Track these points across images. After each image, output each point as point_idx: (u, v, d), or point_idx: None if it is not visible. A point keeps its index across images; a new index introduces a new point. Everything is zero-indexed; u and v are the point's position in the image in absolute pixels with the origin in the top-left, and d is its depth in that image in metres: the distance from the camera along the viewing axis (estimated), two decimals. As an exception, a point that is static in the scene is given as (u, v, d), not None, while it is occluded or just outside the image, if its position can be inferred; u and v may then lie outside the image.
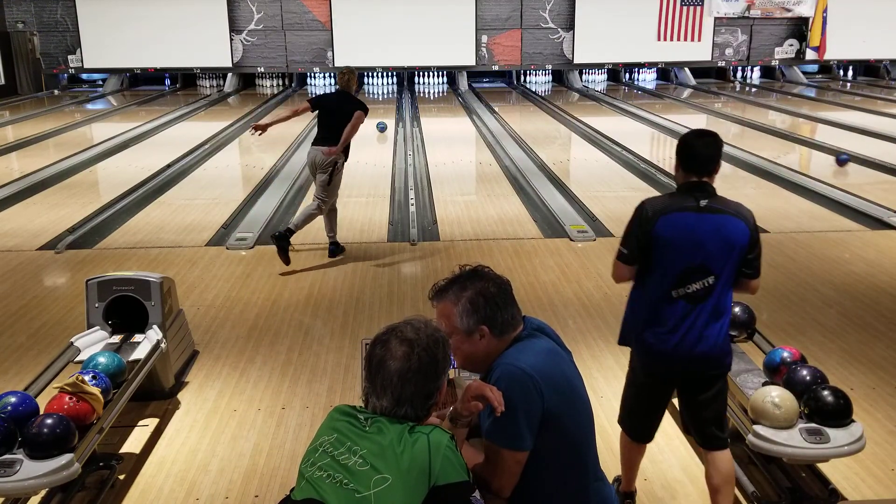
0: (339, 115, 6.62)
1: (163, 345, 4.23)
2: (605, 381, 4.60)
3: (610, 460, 3.75)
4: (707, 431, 3.11)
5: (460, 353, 2.24)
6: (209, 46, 19.58)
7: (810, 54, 20.72)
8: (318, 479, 1.89)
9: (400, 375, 1.93)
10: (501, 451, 2.13)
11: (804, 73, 21.21)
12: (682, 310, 2.98)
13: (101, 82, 20.30)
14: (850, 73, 21.77)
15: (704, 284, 2.95)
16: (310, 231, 7.70)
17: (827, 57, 20.73)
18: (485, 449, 2.20)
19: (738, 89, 20.03)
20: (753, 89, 20.17)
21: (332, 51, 19.79)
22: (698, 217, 2.94)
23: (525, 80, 21.09)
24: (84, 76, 20.54)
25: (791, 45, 20.91)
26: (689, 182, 3.00)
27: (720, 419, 3.12)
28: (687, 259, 2.93)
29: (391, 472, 1.85)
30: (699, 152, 3.00)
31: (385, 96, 19.47)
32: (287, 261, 6.50)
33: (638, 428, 3.27)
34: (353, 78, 6.79)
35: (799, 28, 20.81)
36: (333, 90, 7.25)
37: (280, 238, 6.45)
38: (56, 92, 19.55)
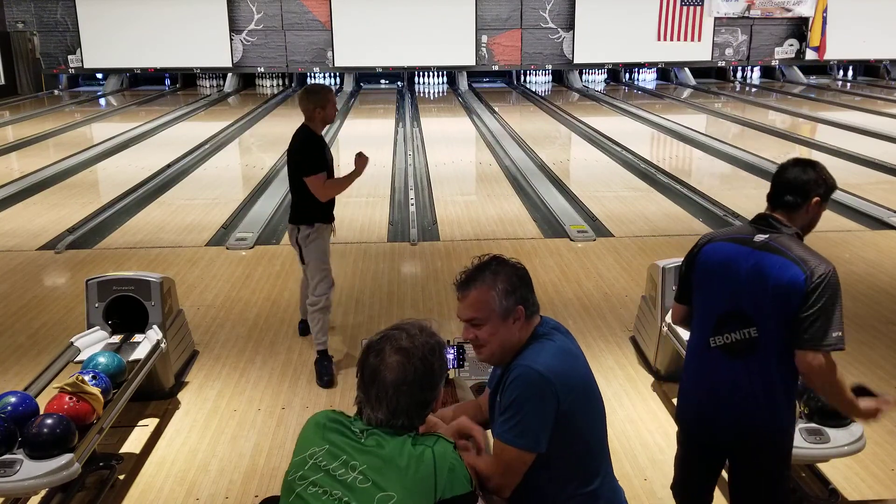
0: (290, 167, 4.72)
1: (163, 345, 4.23)
2: (605, 381, 4.59)
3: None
4: None
5: (496, 341, 2.19)
6: (209, 46, 19.58)
7: (810, 54, 20.72)
8: (313, 495, 1.81)
9: (395, 387, 1.87)
10: (510, 450, 2.12)
11: (803, 70, 21.18)
12: (720, 363, 2.52)
13: (101, 80, 20.29)
14: (850, 73, 21.77)
15: (745, 335, 2.47)
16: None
17: (827, 57, 20.73)
18: (493, 446, 2.19)
19: (738, 89, 20.03)
20: (753, 89, 20.17)
21: (332, 51, 19.79)
22: (746, 252, 2.51)
23: (525, 80, 21.09)
24: (84, 76, 20.53)
25: (791, 45, 20.91)
26: (760, 214, 2.63)
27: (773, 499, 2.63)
28: (723, 300, 2.52)
29: (395, 489, 1.78)
30: (778, 178, 2.64)
31: (385, 96, 19.47)
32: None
33: (684, 497, 2.86)
34: (320, 100, 4.61)
35: (799, 28, 20.81)
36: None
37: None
38: (56, 92, 19.56)
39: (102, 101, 18.68)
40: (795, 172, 2.61)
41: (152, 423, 4.20)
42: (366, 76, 20.73)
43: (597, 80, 21.27)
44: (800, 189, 2.58)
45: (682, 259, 2.72)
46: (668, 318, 2.80)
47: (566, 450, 2.15)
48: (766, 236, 2.53)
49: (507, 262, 2.25)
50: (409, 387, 1.88)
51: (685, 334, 4.16)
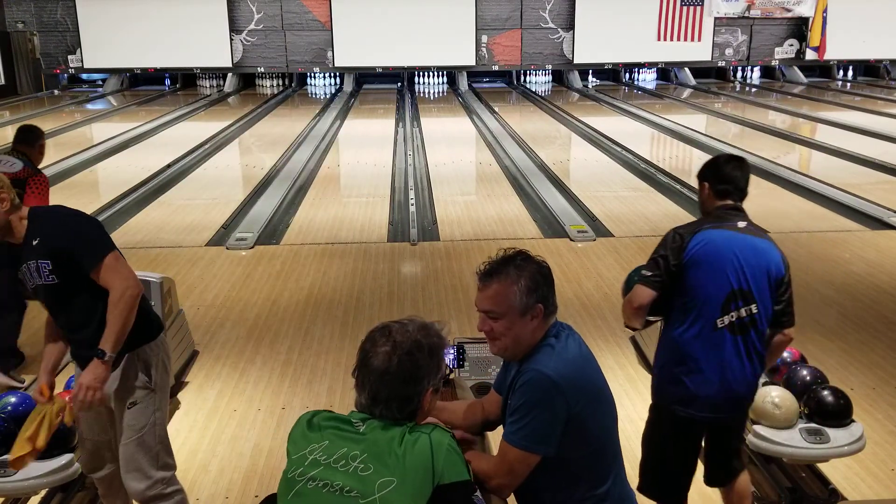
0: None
1: (163, 345, 4.22)
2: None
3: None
4: (731, 467, 2.98)
5: (511, 336, 2.19)
6: (209, 46, 19.58)
7: (810, 54, 20.72)
8: (313, 489, 1.84)
9: (379, 375, 1.92)
10: (515, 451, 2.13)
11: (802, 70, 21.16)
12: (727, 342, 2.72)
13: (100, 82, 20.31)
14: (850, 73, 21.76)
15: (748, 312, 2.71)
16: (310, 230, 7.71)
17: (827, 57, 20.72)
18: (499, 447, 2.19)
19: (738, 89, 20.03)
20: (753, 89, 20.17)
21: (332, 51, 19.79)
22: (740, 237, 2.74)
23: (525, 80, 21.08)
24: (84, 76, 20.54)
25: (791, 45, 20.90)
26: (725, 205, 2.84)
27: (741, 450, 3.03)
28: (729, 282, 2.70)
29: (395, 474, 1.82)
30: (738, 177, 2.86)
31: (385, 96, 19.48)
32: None
33: (673, 491, 2.95)
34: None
35: (799, 28, 20.81)
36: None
37: None
38: (56, 92, 19.55)
39: (92, 104, 18.68)
40: (746, 168, 2.91)
41: (152, 423, 4.19)
42: (365, 75, 20.73)
43: (597, 81, 21.27)
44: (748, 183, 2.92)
45: (661, 251, 2.81)
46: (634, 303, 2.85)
47: (578, 452, 2.15)
48: (745, 222, 2.79)
49: (533, 258, 2.25)
50: (391, 377, 1.91)
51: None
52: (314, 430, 1.95)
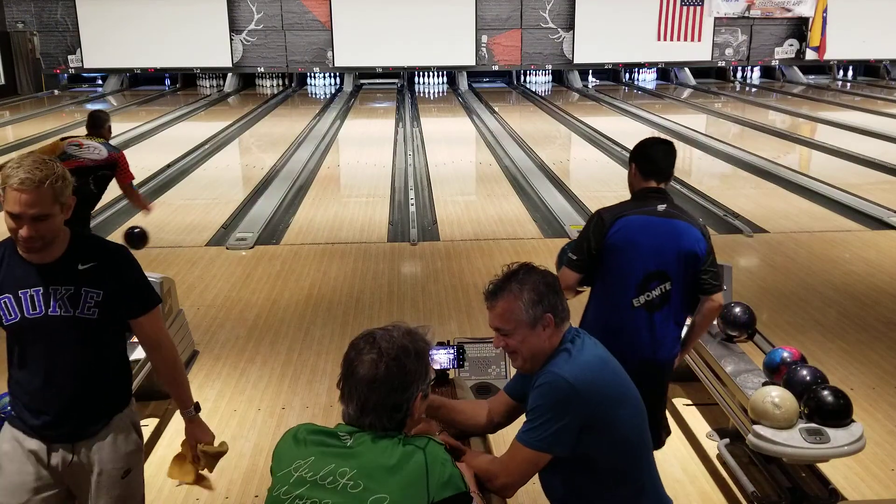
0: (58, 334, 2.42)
1: (163, 345, 4.22)
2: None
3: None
4: (658, 437, 3.13)
5: (526, 349, 2.20)
6: (209, 46, 19.59)
7: (810, 54, 20.72)
8: None
9: (367, 383, 1.88)
10: (523, 450, 2.14)
11: (802, 70, 21.17)
12: (641, 319, 2.96)
13: (101, 82, 20.31)
14: (850, 73, 21.77)
15: (662, 290, 2.95)
16: (310, 230, 7.71)
17: (827, 57, 20.73)
18: (510, 446, 2.20)
19: (738, 89, 20.04)
20: (753, 89, 20.17)
21: (332, 51, 19.80)
22: (657, 221, 2.97)
23: (525, 80, 21.09)
24: (84, 76, 20.54)
25: (791, 45, 20.91)
26: (648, 188, 3.06)
27: (665, 420, 3.28)
28: (646, 264, 2.93)
29: (387, 490, 1.76)
30: (661, 159, 3.07)
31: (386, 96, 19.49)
32: None
33: None
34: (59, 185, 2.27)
35: (799, 28, 20.82)
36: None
37: None
38: (56, 92, 19.55)
39: (92, 104, 18.68)
40: (672, 151, 3.11)
41: (152, 423, 4.19)
42: (365, 75, 20.74)
43: (596, 81, 21.28)
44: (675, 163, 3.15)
45: (586, 234, 3.07)
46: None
47: (608, 452, 2.16)
48: (665, 205, 3.00)
49: (535, 270, 2.25)
50: (379, 385, 1.87)
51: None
52: (299, 445, 1.89)
